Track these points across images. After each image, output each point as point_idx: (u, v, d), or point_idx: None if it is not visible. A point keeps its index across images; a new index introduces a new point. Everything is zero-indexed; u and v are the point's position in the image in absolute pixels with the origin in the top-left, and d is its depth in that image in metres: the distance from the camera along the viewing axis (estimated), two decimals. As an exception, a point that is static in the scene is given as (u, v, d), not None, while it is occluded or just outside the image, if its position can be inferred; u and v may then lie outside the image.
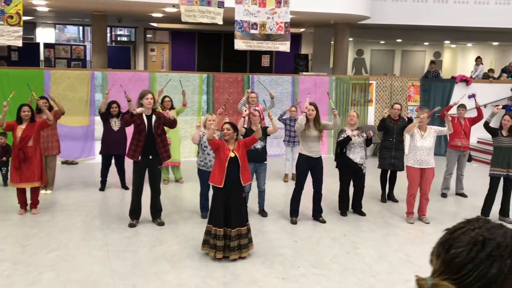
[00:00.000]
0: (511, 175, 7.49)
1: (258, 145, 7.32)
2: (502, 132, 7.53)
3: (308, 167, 7.17)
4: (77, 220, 7.17)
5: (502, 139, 7.51)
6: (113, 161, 8.85)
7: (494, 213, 7.73)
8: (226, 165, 5.78)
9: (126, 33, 20.63)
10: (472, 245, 1.32)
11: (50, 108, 8.26)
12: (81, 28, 20.34)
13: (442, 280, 1.33)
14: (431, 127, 7.54)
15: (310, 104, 7.18)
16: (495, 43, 19.81)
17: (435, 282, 1.33)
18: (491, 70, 15.39)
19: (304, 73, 14.85)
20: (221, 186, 5.78)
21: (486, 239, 1.32)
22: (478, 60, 15.48)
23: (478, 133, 12.38)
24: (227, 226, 5.78)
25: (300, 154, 7.25)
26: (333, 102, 9.91)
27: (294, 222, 7.28)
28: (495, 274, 1.28)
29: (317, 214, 7.43)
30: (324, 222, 7.35)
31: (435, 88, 13.30)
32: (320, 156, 7.25)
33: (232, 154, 5.82)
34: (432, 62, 15.80)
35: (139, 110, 6.69)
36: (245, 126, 7.29)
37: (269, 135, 7.60)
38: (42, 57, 17.38)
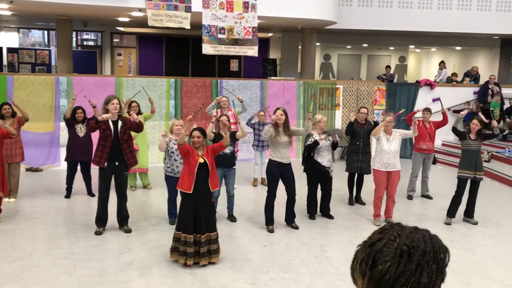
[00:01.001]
0: (478, 178, 7.67)
1: (227, 150, 7.29)
2: (470, 135, 7.70)
3: (279, 173, 7.12)
4: (42, 228, 7.01)
5: (469, 142, 7.68)
6: (78, 167, 8.70)
7: (459, 213, 7.89)
8: (196, 170, 5.75)
9: (92, 38, 20.34)
10: (399, 257, 1.28)
11: (14, 114, 8.09)
12: (45, 32, 19.96)
13: None
14: (396, 131, 7.67)
15: (279, 109, 7.18)
16: (458, 48, 20.30)
17: None
18: (454, 74, 15.74)
19: (272, 77, 14.91)
20: (190, 192, 5.74)
21: (411, 248, 1.29)
22: (442, 65, 15.83)
23: (442, 136, 12.67)
24: (196, 232, 5.74)
25: (270, 160, 7.15)
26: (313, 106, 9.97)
27: (271, 231, 7.13)
28: (426, 283, 1.27)
29: (290, 220, 7.37)
30: (297, 228, 7.28)
31: (400, 92, 13.55)
32: (290, 162, 7.22)
33: (201, 160, 5.79)
34: (387, 66, 16.27)
35: (105, 116, 6.60)
36: (214, 131, 7.27)
37: (237, 139, 7.60)
38: (5, 62, 16.97)
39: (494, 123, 8.02)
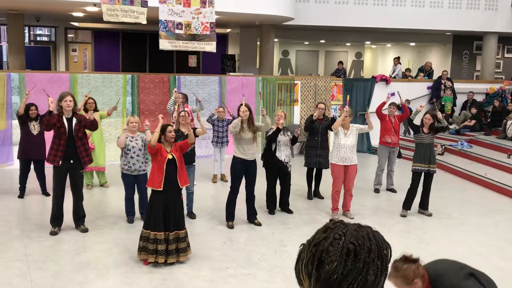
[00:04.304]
0: (432, 170, 7.88)
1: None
2: (423, 129, 7.90)
3: (243, 170, 7.09)
4: (-6, 230, 6.79)
5: (423, 136, 7.89)
6: (32, 166, 8.46)
7: (414, 205, 8.08)
8: (165, 167, 5.69)
9: (46, 33, 19.77)
10: (346, 256, 1.26)
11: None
12: (-4, 27, 19.26)
13: None
14: (353, 125, 7.79)
15: (243, 105, 7.13)
16: (412, 44, 20.73)
17: None
18: (408, 70, 16.09)
19: (231, 73, 14.88)
20: (160, 189, 5.68)
21: (357, 247, 1.27)
22: (396, 60, 16.15)
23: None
24: (166, 230, 5.69)
25: (234, 157, 7.11)
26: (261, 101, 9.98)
27: (231, 227, 7.14)
28: (372, 280, 1.27)
29: (252, 217, 7.35)
30: (260, 224, 7.27)
31: (357, 87, 13.76)
32: (255, 159, 7.20)
33: (170, 156, 5.76)
34: (340, 62, 16.71)
35: (52, 106, 6.40)
36: (174, 128, 7.19)
37: (197, 136, 7.55)
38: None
39: (439, 114, 8.13)
